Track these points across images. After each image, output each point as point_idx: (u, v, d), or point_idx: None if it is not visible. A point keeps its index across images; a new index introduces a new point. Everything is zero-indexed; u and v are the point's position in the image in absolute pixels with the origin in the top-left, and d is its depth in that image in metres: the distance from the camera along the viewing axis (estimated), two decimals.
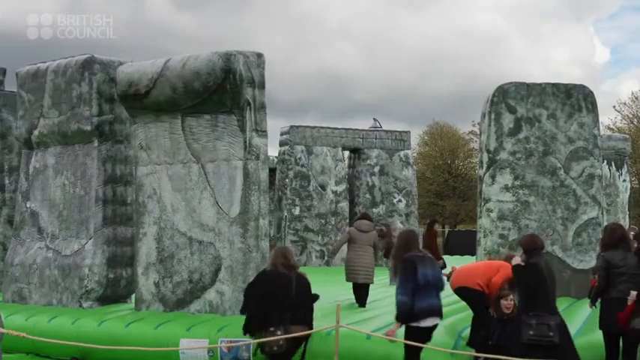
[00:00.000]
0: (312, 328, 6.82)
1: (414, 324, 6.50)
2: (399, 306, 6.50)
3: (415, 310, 6.43)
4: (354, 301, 11.01)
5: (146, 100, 9.45)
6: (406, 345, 6.57)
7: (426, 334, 6.60)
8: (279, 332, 6.54)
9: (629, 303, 6.50)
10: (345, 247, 11.72)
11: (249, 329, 6.87)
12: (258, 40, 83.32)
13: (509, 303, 6.88)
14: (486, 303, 7.07)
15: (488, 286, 7.09)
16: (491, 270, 7.23)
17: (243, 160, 9.01)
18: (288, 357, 6.76)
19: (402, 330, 6.67)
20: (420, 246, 7.36)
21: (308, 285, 6.91)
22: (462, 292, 7.30)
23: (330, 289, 12.83)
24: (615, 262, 6.74)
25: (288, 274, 6.81)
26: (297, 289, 6.75)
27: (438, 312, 6.63)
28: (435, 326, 6.65)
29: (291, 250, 7.34)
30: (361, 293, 10.91)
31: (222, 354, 7.80)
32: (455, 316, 8.89)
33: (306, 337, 6.92)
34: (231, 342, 7.62)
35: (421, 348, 6.55)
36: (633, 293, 6.48)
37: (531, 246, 6.77)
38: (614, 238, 6.93)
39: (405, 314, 6.46)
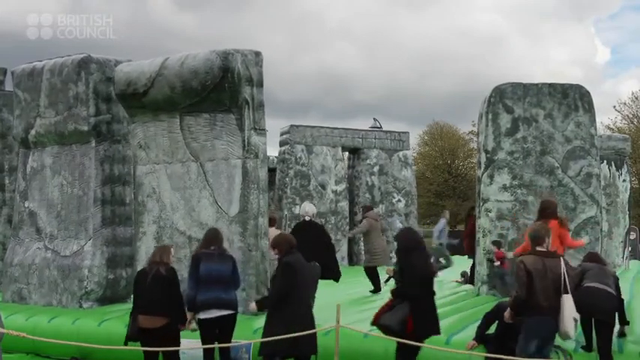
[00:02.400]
0: (172, 318, 7.10)
1: (200, 316, 7.11)
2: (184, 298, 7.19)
3: (197, 302, 7.09)
4: (354, 300, 11.07)
5: (144, 100, 9.47)
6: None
7: (214, 325, 7.09)
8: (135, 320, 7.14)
9: None
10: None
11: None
12: (258, 40, 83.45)
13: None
14: None
15: None
16: None
17: (242, 159, 9.04)
18: (148, 345, 7.01)
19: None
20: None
21: (164, 279, 7.15)
22: None
23: (330, 288, 12.85)
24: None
25: (146, 269, 7.35)
26: (150, 283, 7.12)
27: (222, 304, 7.09)
28: (222, 317, 7.07)
29: (168, 247, 7.61)
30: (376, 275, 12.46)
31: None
32: (453, 316, 8.92)
33: (167, 329, 7.10)
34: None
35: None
36: None
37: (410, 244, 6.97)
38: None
39: (189, 305, 7.13)
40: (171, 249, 7.53)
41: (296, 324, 6.56)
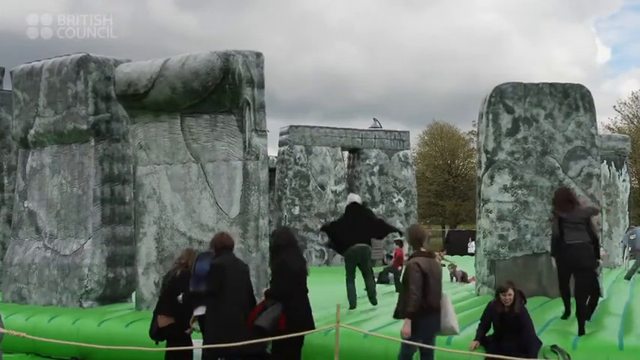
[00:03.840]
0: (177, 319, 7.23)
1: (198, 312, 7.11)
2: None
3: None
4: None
5: (145, 100, 9.46)
6: None
7: None
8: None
9: None
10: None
11: None
12: (258, 40, 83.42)
13: (507, 298, 6.94)
14: None
15: None
16: None
17: (242, 160, 9.02)
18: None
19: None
20: None
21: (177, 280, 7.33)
22: None
23: (330, 288, 12.84)
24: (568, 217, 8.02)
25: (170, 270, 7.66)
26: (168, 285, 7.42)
27: None
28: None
29: (193, 252, 7.73)
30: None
31: None
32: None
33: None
34: None
35: None
36: None
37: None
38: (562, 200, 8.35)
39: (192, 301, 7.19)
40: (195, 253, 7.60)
41: (230, 325, 6.65)
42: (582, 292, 7.79)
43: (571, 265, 7.92)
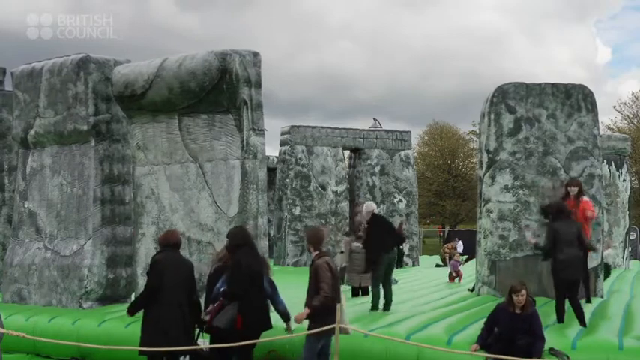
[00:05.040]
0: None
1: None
2: None
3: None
4: (353, 298, 11.09)
5: (143, 101, 9.44)
6: None
7: None
8: None
9: None
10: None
11: None
12: (259, 40, 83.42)
13: (520, 298, 6.91)
14: None
15: None
16: None
17: (240, 160, 9.00)
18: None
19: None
20: None
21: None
22: None
23: None
24: (562, 230, 8.59)
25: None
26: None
27: None
28: None
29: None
30: None
31: None
32: (453, 316, 8.90)
33: None
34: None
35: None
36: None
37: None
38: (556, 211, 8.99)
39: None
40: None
41: (164, 323, 6.68)
42: (575, 299, 8.49)
43: (566, 279, 8.50)
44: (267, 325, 6.97)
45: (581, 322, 8.23)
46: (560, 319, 8.43)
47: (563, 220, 8.81)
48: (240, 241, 6.95)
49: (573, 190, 9.91)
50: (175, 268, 6.96)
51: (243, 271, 6.75)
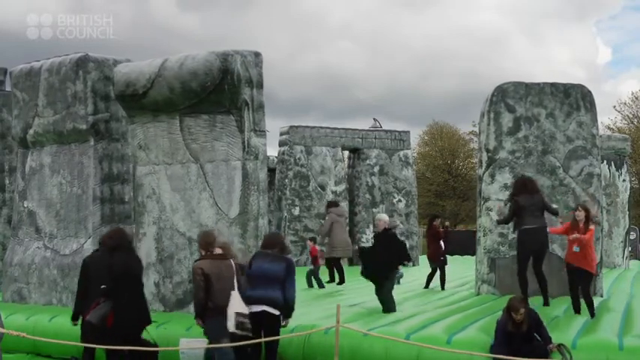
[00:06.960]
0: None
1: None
2: None
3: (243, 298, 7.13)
4: (354, 299, 11.04)
5: (144, 101, 9.44)
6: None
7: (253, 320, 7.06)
8: None
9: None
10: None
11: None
12: (259, 40, 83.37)
13: (518, 317, 6.79)
14: None
15: None
16: None
17: (241, 161, 9.01)
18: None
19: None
20: None
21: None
22: None
23: (329, 288, 12.85)
24: (525, 203, 9.06)
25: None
26: None
27: (265, 301, 7.08)
28: (260, 313, 7.05)
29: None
30: (338, 267, 13.32)
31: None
32: (453, 316, 8.90)
33: None
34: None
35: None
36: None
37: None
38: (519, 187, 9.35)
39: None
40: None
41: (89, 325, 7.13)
42: (539, 269, 9.23)
43: (530, 249, 9.12)
44: (144, 323, 7.33)
45: (545, 301, 9.26)
46: (524, 292, 8.92)
47: (526, 194, 9.21)
48: (115, 243, 7.33)
49: (579, 215, 9.03)
50: (100, 266, 7.28)
51: (113, 272, 7.13)
